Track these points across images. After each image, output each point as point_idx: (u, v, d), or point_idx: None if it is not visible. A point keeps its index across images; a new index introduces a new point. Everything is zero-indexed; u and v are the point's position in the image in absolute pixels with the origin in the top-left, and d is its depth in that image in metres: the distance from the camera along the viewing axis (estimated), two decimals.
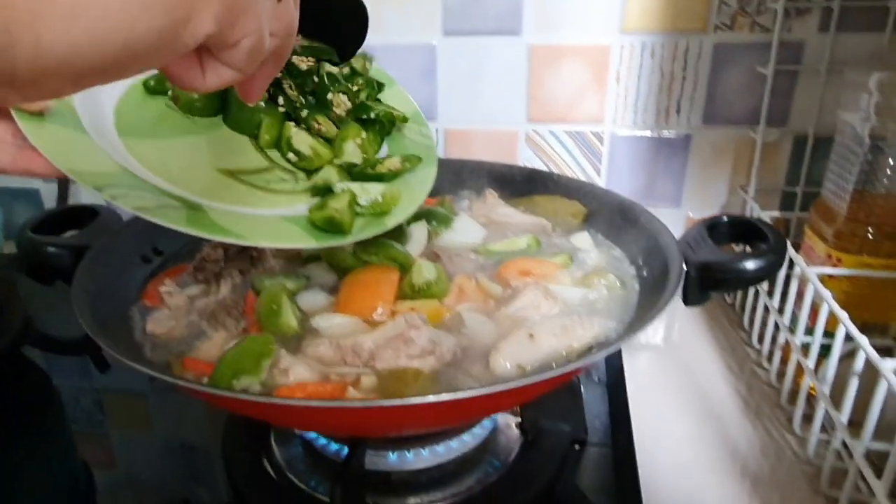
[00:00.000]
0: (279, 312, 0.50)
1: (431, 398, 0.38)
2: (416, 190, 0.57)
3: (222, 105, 0.57)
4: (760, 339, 0.73)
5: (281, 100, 0.57)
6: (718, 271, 0.51)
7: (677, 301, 0.49)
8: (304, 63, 0.56)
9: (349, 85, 0.58)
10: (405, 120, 0.62)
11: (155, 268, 0.63)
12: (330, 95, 0.57)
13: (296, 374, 0.44)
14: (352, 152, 0.57)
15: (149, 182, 0.47)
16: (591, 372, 0.71)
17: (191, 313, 0.54)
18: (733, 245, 0.68)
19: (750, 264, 0.51)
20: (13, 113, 0.43)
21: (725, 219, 0.58)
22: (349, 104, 0.59)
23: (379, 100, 0.62)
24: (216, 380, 0.44)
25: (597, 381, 0.69)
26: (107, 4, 0.24)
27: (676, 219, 0.85)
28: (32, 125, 0.43)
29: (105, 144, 0.47)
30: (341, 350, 0.46)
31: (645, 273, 0.58)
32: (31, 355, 0.78)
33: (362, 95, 0.60)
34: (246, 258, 0.61)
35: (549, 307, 0.52)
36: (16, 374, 0.75)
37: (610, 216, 0.66)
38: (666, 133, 0.82)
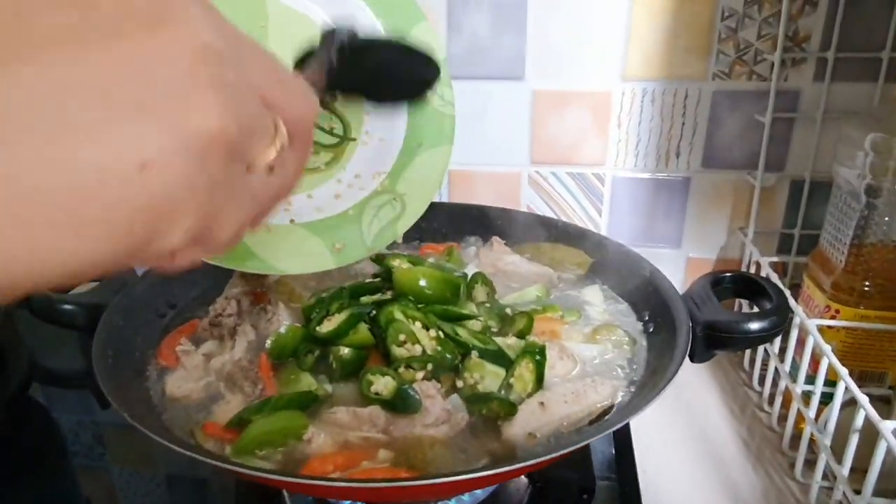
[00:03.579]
0: (298, 382, 0.51)
1: (446, 479, 0.40)
2: (430, 180, 0.54)
3: None
4: (762, 382, 0.74)
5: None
6: (724, 331, 0.53)
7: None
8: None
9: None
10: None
11: (168, 322, 0.64)
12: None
13: (317, 443, 0.45)
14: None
15: None
16: None
17: (208, 373, 0.55)
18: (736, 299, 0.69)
19: (754, 325, 0.52)
20: None
21: (729, 275, 0.60)
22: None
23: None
24: (240, 449, 0.45)
25: None
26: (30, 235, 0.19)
27: (677, 259, 0.87)
28: None
29: None
30: (358, 418, 0.47)
31: (651, 329, 0.59)
32: (31, 391, 0.77)
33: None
34: (259, 312, 0.63)
35: (565, 367, 0.53)
36: (20, 416, 0.75)
37: (615, 268, 0.68)
38: (666, 176, 0.84)
